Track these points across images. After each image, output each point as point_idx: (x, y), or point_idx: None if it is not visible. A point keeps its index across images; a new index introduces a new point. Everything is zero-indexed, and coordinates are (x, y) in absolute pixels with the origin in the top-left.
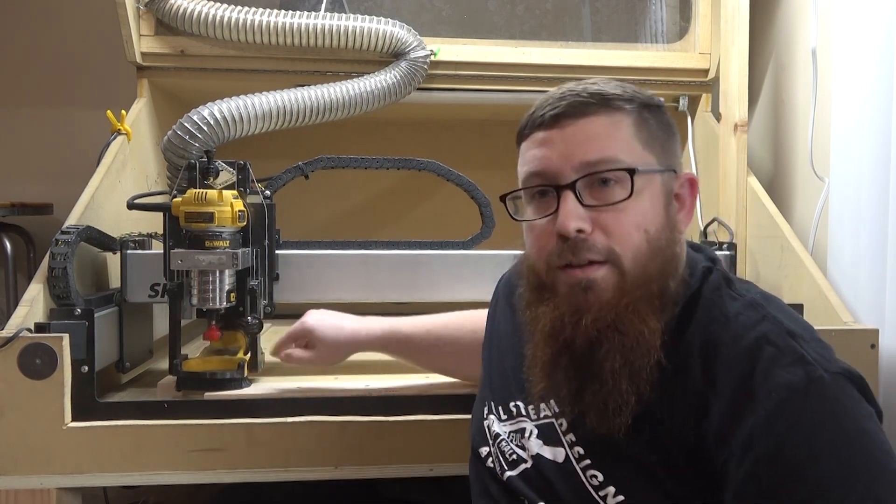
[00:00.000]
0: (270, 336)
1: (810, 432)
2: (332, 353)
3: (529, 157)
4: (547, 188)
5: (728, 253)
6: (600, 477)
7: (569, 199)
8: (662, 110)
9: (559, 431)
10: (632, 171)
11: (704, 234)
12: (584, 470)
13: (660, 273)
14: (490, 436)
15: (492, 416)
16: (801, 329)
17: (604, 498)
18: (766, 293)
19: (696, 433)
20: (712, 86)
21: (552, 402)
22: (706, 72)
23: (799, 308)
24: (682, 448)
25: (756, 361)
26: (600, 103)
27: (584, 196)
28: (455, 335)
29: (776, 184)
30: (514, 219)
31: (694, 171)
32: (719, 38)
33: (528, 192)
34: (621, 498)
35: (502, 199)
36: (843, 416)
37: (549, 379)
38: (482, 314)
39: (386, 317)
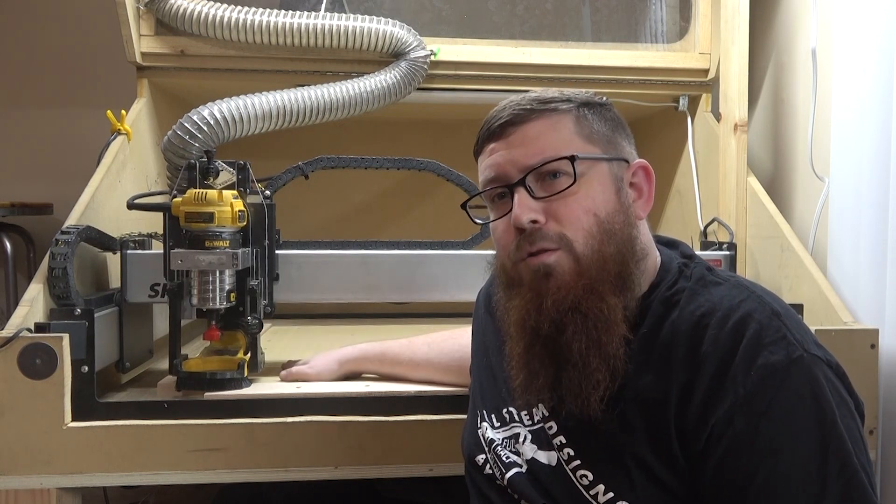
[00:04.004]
0: (270, 336)
1: (789, 410)
2: (325, 364)
3: (484, 167)
4: (502, 190)
5: (728, 253)
6: (590, 476)
7: (521, 194)
8: (606, 107)
9: (548, 434)
10: (571, 158)
11: (704, 234)
12: (574, 471)
13: (616, 255)
14: (485, 442)
15: (485, 424)
16: (783, 310)
17: (595, 497)
18: (748, 280)
19: (684, 415)
20: (712, 86)
21: (541, 406)
22: (706, 72)
23: (799, 308)
24: (672, 432)
25: (741, 339)
26: (539, 108)
27: (535, 190)
28: (441, 346)
29: (776, 184)
30: (475, 222)
31: (694, 171)
32: (719, 38)
33: (488, 196)
34: (611, 495)
35: (463, 206)
36: (821, 396)
37: (526, 369)
38: (465, 331)
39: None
